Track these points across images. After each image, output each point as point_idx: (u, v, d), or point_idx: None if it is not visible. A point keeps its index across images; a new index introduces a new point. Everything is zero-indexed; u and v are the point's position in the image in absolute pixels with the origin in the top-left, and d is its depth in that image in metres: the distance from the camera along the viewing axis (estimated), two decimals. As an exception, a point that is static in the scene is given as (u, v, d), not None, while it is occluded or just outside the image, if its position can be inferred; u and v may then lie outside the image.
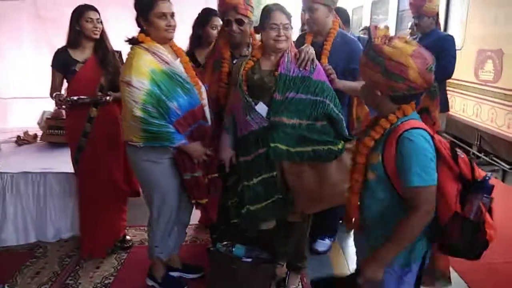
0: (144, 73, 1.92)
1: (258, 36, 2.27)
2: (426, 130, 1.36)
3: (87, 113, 2.56)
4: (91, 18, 2.48)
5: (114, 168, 2.68)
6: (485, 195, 1.35)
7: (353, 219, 1.55)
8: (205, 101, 2.15)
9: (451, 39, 3.39)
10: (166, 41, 2.06)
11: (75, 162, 2.68)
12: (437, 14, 3.40)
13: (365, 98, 1.54)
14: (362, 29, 7.50)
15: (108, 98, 2.53)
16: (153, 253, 2.33)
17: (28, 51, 4.36)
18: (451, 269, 2.59)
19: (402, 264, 1.44)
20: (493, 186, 1.35)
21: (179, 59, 2.12)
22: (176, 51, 2.14)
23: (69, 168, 2.82)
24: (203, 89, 2.17)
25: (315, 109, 2.01)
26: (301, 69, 2.03)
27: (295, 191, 2.08)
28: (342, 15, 2.85)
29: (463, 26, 5.07)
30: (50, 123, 3.46)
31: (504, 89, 4.47)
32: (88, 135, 2.58)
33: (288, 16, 2.02)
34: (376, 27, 1.50)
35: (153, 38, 2.01)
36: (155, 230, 2.27)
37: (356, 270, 1.45)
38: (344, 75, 2.28)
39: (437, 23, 3.43)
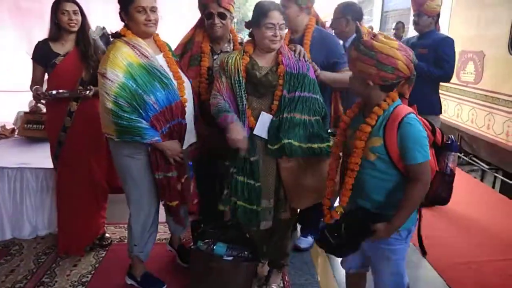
0: (120, 65, 1.90)
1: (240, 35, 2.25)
2: (414, 113, 1.59)
3: (67, 107, 2.50)
4: (66, 10, 2.41)
5: (94, 163, 2.62)
6: (453, 153, 1.67)
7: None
8: (186, 97, 2.10)
9: (450, 41, 3.26)
10: (147, 35, 2.03)
11: (54, 157, 2.61)
12: (438, 14, 3.31)
13: (356, 88, 1.66)
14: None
15: (88, 92, 2.45)
16: (132, 251, 2.29)
17: (7, 43, 4.24)
18: (430, 267, 2.65)
19: (406, 228, 1.66)
20: (459, 145, 1.59)
21: (162, 53, 2.10)
22: (159, 46, 2.12)
23: (47, 163, 2.74)
24: (186, 84, 2.12)
25: (316, 106, 2.07)
26: (300, 59, 2.07)
27: (290, 187, 2.08)
28: (355, 12, 2.82)
29: (446, 28, 5.15)
30: (28, 118, 3.37)
31: (485, 90, 4.57)
32: (68, 129, 2.52)
33: (283, 15, 2.01)
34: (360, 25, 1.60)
35: (134, 32, 2.00)
36: (133, 228, 2.22)
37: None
38: (324, 69, 2.33)
39: (437, 23, 3.35)
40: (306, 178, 2.09)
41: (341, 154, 1.81)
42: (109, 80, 1.88)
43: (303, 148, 2.01)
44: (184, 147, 2.16)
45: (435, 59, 3.18)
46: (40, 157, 2.86)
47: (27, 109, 3.51)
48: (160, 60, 2.06)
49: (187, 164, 2.18)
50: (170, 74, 2.06)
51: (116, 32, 2.04)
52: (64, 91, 2.43)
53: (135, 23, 1.98)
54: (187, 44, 2.39)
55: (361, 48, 1.53)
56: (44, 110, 3.46)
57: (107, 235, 2.89)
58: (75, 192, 2.59)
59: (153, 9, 1.98)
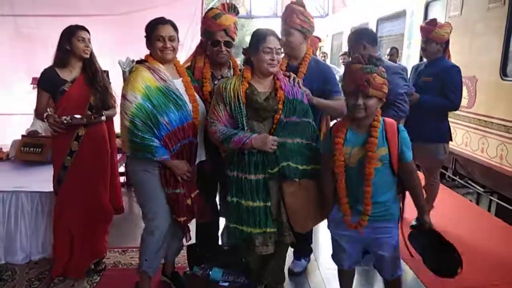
0: (139, 88, 2.06)
1: (238, 59, 2.32)
2: None
3: (75, 132, 2.53)
4: (82, 38, 2.50)
5: (100, 187, 2.65)
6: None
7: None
8: (200, 119, 2.21)
9: (456, 70, 3.23)
10: (165, 61, 2.19)
11: (57, 181, 2.62)
12: (447, 41, 3.32)
13: (374, 108, 1.89)
14: (342, 54, 7.72)
15: (103, 118, 2.57)
16: (141, 266, 2.31)
17: (5, 68, 4.30)
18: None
19: (398, 215, 2.04)
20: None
21: (181, 78, 2.24)
22: (179, 72, 2.28)
23: (42, 187, 2.74)
24: (200, 107, 2.24)
25: (308, 130, 2.17)
26: (295, 85, 2.16)
27: (295, 212, 2.10)
28: (369, 36, 2.87)
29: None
30: (25, 141, 3.38)
31: (478, 114, 4.64)
32: (74, 154, 2.55)
33: (280, 42, 2.11)
34: None
35: (155, 58, 2.18)
36: (148, 243, 2.25)
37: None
38: (318, 96, 2.40)
39: (445, 51, 3.35)
40: (309, 202, 2.13)
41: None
42: (128, 101, 2.04)
43: (300, 170, 2.07)
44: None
45: (440, 87, 3.20)
46: (36, 180, 2.86)
47: (23, 132, 3.51)
48: (178, 84, 2.20)
49: (195, 181, 2.27)
50: (186, 97, 2.19)
51: (141, 59, 2.24)
52: (79, 116, 2.47)
53: (154, 49, 2.17)
54: (188, 70, 2.44)
55: (381, 72, 1.86)
56: (42, 133, 3.50)
57: (103, 260, 2.86)
58: (80, 216, 2.58)
59: (171, 38, 2.16)
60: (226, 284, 2.15)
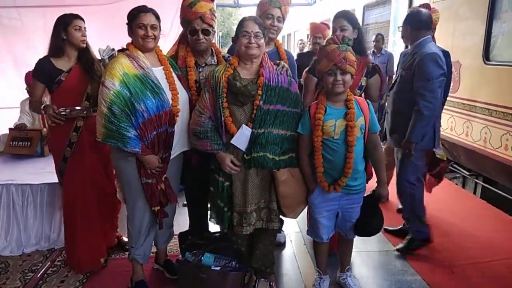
0: (117, 75, 2.07)
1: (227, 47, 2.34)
2: None
3: (73, 123, 2.52)
4: (79, 27, 2.48)
5: (104, 176, 2.66)
6: None
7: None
8: (180, 107, 2.22)
9: (447, 54, 3.20)
10: (146, 49, 2.19)
11: (60, 173, 2.62)
12: (435, 28, 3.31)
13: (348, 83, 2.09)
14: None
15: None
16: (130, 253, 2.39)
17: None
18: (413, 271, 2.73)
19: (365, 185, 2.28)
20: None
21: (162, 67, 2.25)
22: (161, 60, 2.28)
23: (32, 179, 2.74)
24: (181, 95, 2.24)
25: (295, 120, 2.21)
26: (281, 73, 2.18)
27: (288, 199, 2.19)
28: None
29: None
30: (14, 135, 3.37)
31: (462, 99, 4.71)
32: (74, 145, 2.54)
33: (260, 26, 2.13)
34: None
35: (135, 46, 2.19)
36: (130, 230, 2.34)
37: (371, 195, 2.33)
38: None
39: (433, 37, 3.32)
40: (299, 188, 2.23)
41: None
42: (107, 88, 2.05)
43: (276, 160, 2.13)
44: (174, 155, 2.27)
45: None
46: (26, 173, 2.87)
47: (10, 126, 3.50)
48: (158, 72, 2.20)
49: (165, 173, 2.26)
50: (166, 85, 2.19)
51: (122, 47, 2.24)
52: (78, 108, 2.47)
53: (135, 37, 2.17)
54: (172, 59, 2.45)
55: (353, 51, 2.10)
56: (29, 126, 3.49)
57: (125, 239, 2.89)
58: (84, 206, 2.60)
59: (153, 27, 2.16)
60: (218, 268, 2.19)
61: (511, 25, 4.08)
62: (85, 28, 2.51)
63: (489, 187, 4.32)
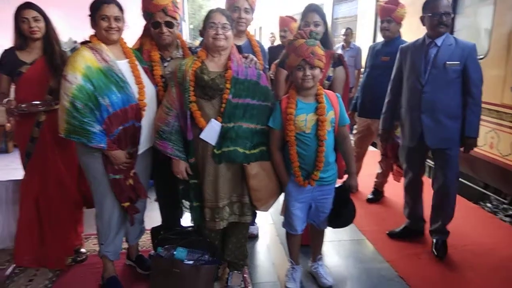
0: (79, 68, 2.00)
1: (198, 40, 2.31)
2: None
3: (35, 118, 2.44)
4: (26, 18, 2.38)
5: (65, 174, 2.58)
6: None
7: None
8: (147, 101, 2.18)
9: None
10: (110, 41, 2.14)
11: (24, 168, 2.55)
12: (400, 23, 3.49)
13: (317, 77, 2.11)
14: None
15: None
16: (100, 251, 2.35)
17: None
18: (382, 259, 2.81)
19: (336, 176, 2.33)
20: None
21: (127, 59, 2.19)
22: (125, 52, 2.22)
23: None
24: (147, 89, 2.20)
25: (266, 114, 2.20)
26: (250, 66, 2.17)
27: (260, 192, 2.20)
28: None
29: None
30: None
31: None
32: (36, 140, 2.47)
33: (228, 18, 2.11)
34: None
35: (99, 38, 2.13)
36: (99, 227, 2.30)
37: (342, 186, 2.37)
38: None
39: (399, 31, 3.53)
40: (270, 181, 2.24)
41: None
42: (69, 82, 1.98)
43: (247, 154, 2.13)
44: (142, 150, 2.24)
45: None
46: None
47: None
48: (122, 65, 2.15)
49: (133, 168, 2.23)
50: (131, 79, 2.14)
51: (85, 40, 2.16)
52: (38, 102, 2.39)
53: (98, 29, 2.11)
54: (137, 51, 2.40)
55: (321, 46, 2.11)
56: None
57: (83, 250, 2.82)
58: (47, 204, 2.52)
59: (117, 18, 2.12)
60: (191, 262, 2.19)
61: (473, 20, 4.24)
62: (35, 18, 2.40)
63: (464, 181, 4.48)
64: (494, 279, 2.59)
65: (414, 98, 2.74)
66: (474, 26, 4.26)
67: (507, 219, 4.05)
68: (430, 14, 2.62)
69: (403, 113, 2.88)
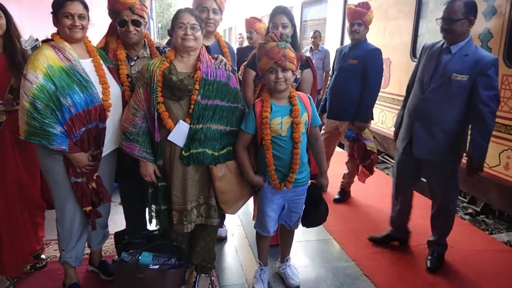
0: (40, 67, 1.94)
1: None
2: None
3: None
4: None
5: (26, 177, 2.47)
6: None
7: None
8: (111, 102, 2.13)
9: (379, 52, 3.45)
10: (73, 40, 2.08)
11: None
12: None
13: (289, 80, 2.11)
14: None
15: None
16: (61, 257, 2.27)
17: None
18: (348, 258, 2.86)
19: (309, 177, 2.34)
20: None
21: (91, 59, 2.14)
22: (89, 51, 2.17)
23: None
24: (112, 89, 2.15)
25: (235, 115, 2.19)
26: (220, 67, 2.14)
27: (225, 194, 2.18)
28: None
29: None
30: None
31: (392, 94, 5.01)
32: None
33: (197, 18, 2.08)
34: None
35: (62, 37, 2.07)
36: (60, 232, 2.22)
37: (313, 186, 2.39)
38: None
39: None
40: (237, 183, 2.22)
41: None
42: (29, 81, 1.92)
43: (216, 156, 2.12)
44: (106, 152, 2.18)
45: (363, 70, 3.42)
46: None
47: None
48: (86, 64, 2.09)
49: (96, 171, 2.17)
50: (95, 79, 2.09)
51: (47, 38, 2.10)
52: None
53: (61, 27, 2.05)
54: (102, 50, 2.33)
55: (292, 48, 2.12)
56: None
57: (43, 256, 2.71)
58: (5, 208, 2.40)
59: (81, 16, 2.05)
60: (157, 267, 2.15)
61: (437, 24, 4.38)
62: None
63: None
64: (454, 276, 2.69)
65: (413, 102, 2.65)
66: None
67: (467, 217, 4.22)
68: (439, 18, 2.48)
69: (404, 114, 2.78)
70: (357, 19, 3.46)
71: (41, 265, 2.63)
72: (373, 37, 5.00)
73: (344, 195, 3.98)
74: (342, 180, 4.00)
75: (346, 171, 3.93)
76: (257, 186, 2.27)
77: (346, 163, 3.91)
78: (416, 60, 4.37)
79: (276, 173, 2.19)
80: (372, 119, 3.66)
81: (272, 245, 2.55)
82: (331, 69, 3.95)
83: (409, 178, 2.85)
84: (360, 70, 3.43)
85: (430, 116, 2.54)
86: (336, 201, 3.91)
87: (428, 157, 2.60)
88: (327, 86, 6.29)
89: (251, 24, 4.41)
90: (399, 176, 2.88)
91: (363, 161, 3.60)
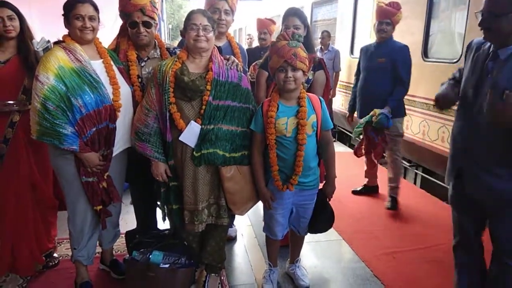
0: (51, 68, 1.97)
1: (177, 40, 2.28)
2: None
3: (8, 118, 2.37)
4: (0, 17, 2.31)
5: (39, 176, 2.50)
6: None
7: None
8: (121, 102, 2.15)
9: (407, 49, 3.47)
10: (84, 41, 2.11)
11: None
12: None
13: (299, 80, 2.08)
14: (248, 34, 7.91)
15: None
16: (73, 255, 2.30)
17: None
18: (357, 258, 2.84)
19: (318, 181, 2.29)
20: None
21: (102, 60, 2.16)
22: (100, 52, 2.19)
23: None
24: (123, 90, 2.17)
25: (246, 116, 2.19)
26: (231, 68, 2.15)
27: (234, 195, 2.18)
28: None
29: (368, 39, 5.53)
30: None
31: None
32: (9, 141, 2.39)
33: (210, 19, 2.09)
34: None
35: (73, 38, 2.11)
36: (72, 231, 2.25)
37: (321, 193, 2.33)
38: None
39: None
40: (246, 185, 2.22)
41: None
42: (40, 82, 1.94)
43: (226, 157, 2.12)
44: (117, 152, 2.20)
45: (393, 67, 3.41)
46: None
47: None
48: (97, 65, 2.12)
49: (107, 170, 2.19)
50: (106, 79, 2.12)
51: (58, 40, 2.13)
52: (11, 102, 2.32)
53: (72, 29, 2.08)
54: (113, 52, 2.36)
55: (304, 48, 2.09)
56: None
57: (55, 254, 2.74)
58: (18, 207, 2.44)
59: (92, 18, 2.08)
60: (167, 265, 2.16)
61: (448, 24, 4.34)
62: (8, 16, 2.33)
63: (428, 177, 4.59)
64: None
65: (459, 126, 1.97)
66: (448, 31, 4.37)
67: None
68: (478, 11, 1.82)
69: (454, 129, 2.03)
70: (386, 18, 3.44)
71: (53, 263, 2.67)
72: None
73: (395, 203, 3.74)
74: (389, 185, 3.82)
75: (390, 175, 3.78)
76: (264, 198, 2.25)
77: (389, 165, 3.80)
78: (428, 60, 4.35)
79: (279, 174, 2.17)
80: (405, 114, 3.71)
81: (281, 246, 2.55)
82: (357, 68, 3.91)
83: (469, 226, 2.08)
84: (389, 67, 3.43)
85: (484, 148, 1.84)
86: (389, 209, 3.71)
87: (486, 197, 1.90)
88: (337, 85, 6.32)
89: (265, 25, 4.39)
90: (459, 224, 2.14)
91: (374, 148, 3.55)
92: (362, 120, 3.49)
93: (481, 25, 1.77)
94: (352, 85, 4.08)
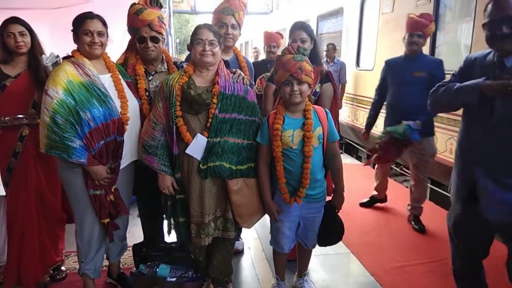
0: (60, 83, 2.00)
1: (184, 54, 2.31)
2: None
3: (18, 132, 2.40)
4: (12, 33, 2.36)
5: (48, 190, 2.52)
6: None
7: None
8: (129, 115, 2.17)
9: (441, 63, 3.37)
10: (93, 56, 2.15)
11: (5, 184, 2.49)
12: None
13: (305, 93, 2.10)
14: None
15: None
16: (80, 269, 2.30)
17: None
18: (367, 273, 2.80)
19: (325, 193, 2.28)
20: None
21: (110, 74, 2.20)
22: (108, 67, 2.23)
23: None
24: (131, 103, 2.19)
25: (252, 129, 2.20)
26: (238, 81, 2.17)
27: (241, 208, 2.17)
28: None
29: (374, 51, 5.55)
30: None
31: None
32: (19, 155, 2.42)
33: (216, 34, 2.12)
34: None
35: (81, 53, 2.14)
36: (80, 244, 2.26)
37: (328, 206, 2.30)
38: None
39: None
40: (253, 198, 2.21)
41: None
42: (49, 96, 1.98)
43: (233, 169, 2.12)
44: (124, 165, 2.22)
45: (430, 81, 3.18)
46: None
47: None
48: (105, 79, 2.15)
49: (115, 183, 2.20)
50: (114, 93, 2.15)
51: (68, 55, 2.17)
52: (21, 116, 2.36)
53: (81, 44, 2.12)
54: (121, 66, 2.39)
55: (309, 62, 2.10)
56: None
57: (62, 267, 2.74)
58: (26, 220, 2.45)
59: (100, 33, 2.12)
60: (174, 279, 2.15)
61: (454, 36, 4.35)
62: (21, 32, 2.38)
63: (436, 189, 4.54)
64: None
65: (472, 141, 1.89)
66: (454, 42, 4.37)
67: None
68: (486, 21, 1.79)
69: (456, 152, 1.99)
70: (418, 30, 3.32)
71: (60, 276, 2.66)
72: (391, 48, 4.99)
73: (420, 223, 3.58)
74: (412, 205, 3.68)
75: (415, 195, 3.63)
76: (270, 211, 2.23)
77: (412, 186, 3.66)
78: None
79: (286, 186, 2.16)
80: (434, 133, 3.56)
81: (289, 260, 2.52)
82: (380, 83, 3.73)
83: (476, 247, 2.03)
84: (426, 81, 3.24)
85: (498, 160, 1.76)
86: (418, 231, 3.56)
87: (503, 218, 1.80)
88: (343, 97, 6.31)
89: (274, 39, 4.41)
90: (462, 247, 2.09)
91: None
92: (389, 128, 3.32)
93: (490, 34, 1.76)
94: (371, 99, 3.86)
